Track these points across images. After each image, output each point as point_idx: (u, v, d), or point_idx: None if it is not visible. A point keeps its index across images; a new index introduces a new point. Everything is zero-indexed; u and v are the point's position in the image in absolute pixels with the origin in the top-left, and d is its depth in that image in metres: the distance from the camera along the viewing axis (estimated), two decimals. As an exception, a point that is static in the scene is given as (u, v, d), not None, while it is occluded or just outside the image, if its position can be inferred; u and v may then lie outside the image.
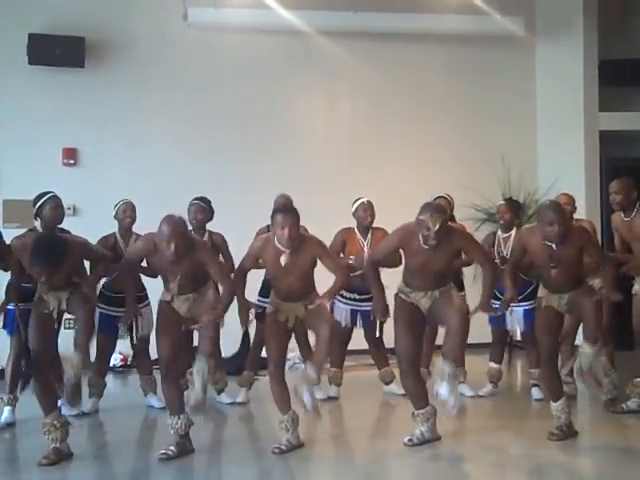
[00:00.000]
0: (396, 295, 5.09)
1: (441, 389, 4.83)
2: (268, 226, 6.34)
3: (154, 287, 5.58)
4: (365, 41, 8.62)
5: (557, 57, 9.06)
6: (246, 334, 6.55)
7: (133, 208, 6.10)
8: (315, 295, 4.99)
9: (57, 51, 7.86)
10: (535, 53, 9.23)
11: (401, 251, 5.18)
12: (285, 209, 4.98)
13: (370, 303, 6.32)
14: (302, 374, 4.91)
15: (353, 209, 6.31)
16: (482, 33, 8.76)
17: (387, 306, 5.17)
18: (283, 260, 4.82)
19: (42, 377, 4.65)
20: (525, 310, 6.24)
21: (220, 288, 5.01)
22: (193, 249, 4.78)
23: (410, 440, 4.95)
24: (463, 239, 5.02)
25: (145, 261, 5.51)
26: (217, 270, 4.88)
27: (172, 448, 4.73)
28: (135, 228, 6.12)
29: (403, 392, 6.45)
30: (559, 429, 5.05)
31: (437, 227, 4.68)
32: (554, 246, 4.91)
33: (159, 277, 5.10)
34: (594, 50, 9.00)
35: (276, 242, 4.84)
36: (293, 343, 5.72)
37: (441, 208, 4.98)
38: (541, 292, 5.25)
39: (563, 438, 5.01)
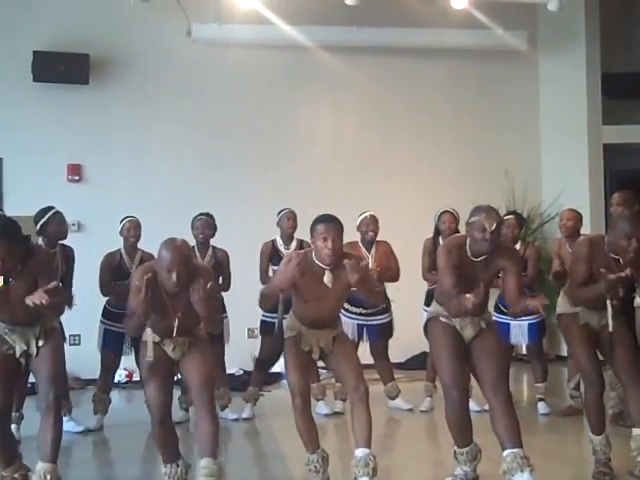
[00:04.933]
0: (432, 319, 4.42)
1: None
2: (272, 241, 6.39)
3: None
4: (368, 56, 8.64)
5: (560, 71, 9.08)
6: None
7: (138, 225, 6.08)
8: (339, 323, 4.50)
9: (62, 68, 7.89)
10: (538, 67, 9.25)
11: None
12: (328, 217, 4.22)
13: (376, 317, 6.38)
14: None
15: (357, 223, 6.30)
16: (485, 47, 8.78)
17: None
18: (328, 279, 4.16)
19: (2, 426, 4.08)
20: (530, 324, 6.24)
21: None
22: (198, 276, 4.08)
23: None
24: (511, 257, 4.33)
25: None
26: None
27: None
28: (141, 243, 6.13)
29: (409, 407, 6.49)
30: (606, 466, 4.51)
31: (493, 227, 4.09)
32: None
33: None
34: (597, 63, 9.03)
35: (314, 258, 4.20)
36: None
37: (495, 209, 4.26)
38: (562, 307, 4.68)
39: (614, 477, 4.50)
